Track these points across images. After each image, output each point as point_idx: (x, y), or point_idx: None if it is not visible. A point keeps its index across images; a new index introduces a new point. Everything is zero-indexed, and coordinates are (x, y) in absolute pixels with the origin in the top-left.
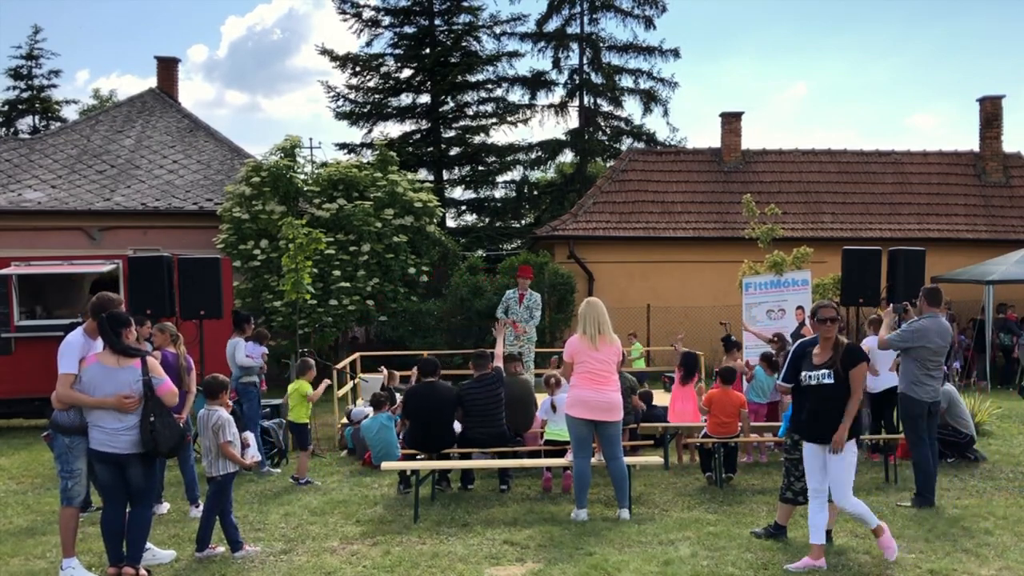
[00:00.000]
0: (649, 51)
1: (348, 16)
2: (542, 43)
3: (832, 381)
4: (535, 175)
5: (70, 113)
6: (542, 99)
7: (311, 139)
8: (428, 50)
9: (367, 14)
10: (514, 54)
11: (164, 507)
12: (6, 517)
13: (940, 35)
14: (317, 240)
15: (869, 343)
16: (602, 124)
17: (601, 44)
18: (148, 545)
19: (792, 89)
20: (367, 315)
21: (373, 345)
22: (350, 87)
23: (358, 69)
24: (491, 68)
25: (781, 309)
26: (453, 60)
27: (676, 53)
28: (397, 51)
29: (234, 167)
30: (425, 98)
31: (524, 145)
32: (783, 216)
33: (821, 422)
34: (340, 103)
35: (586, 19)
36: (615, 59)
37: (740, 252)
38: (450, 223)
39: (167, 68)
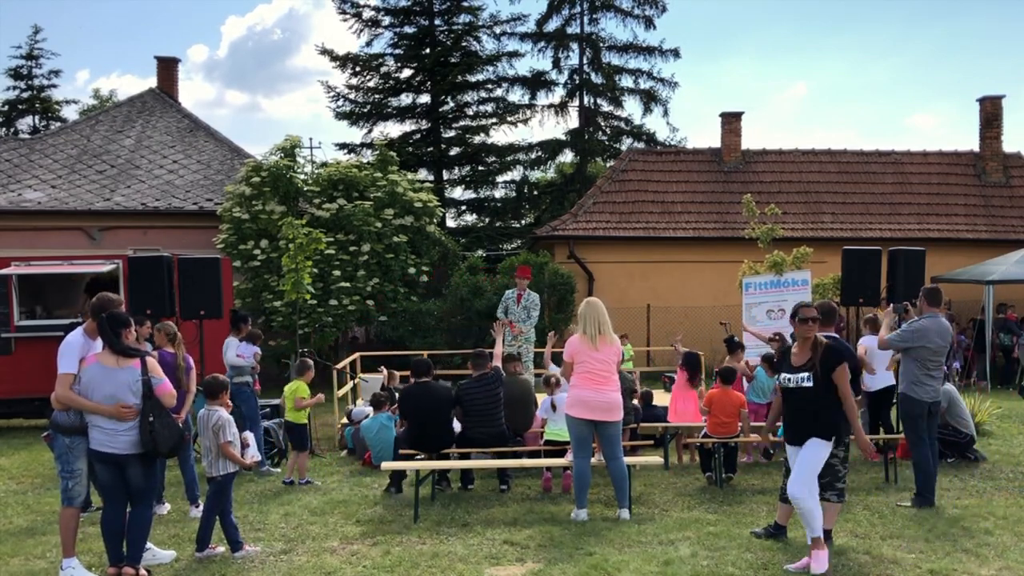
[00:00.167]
0: (649, 51)
1: (348, 16)
2: (542, 43)
3: (811, 384)
4: (535, 175)
5: (70, 113)
6: (542, 99)
7: (311, 139)
8: (428, 50)
9: (367, 14)
10: (514, 54)
11: (164, 507)
12: (6, 517)
13: (940, 35)
14: (317, 240)
15: (866, 343)
16: (602, 124)
17: (601, 44)
18: (148, 545)
19: (792, 89)
20: (367, 315)
21: (373, 345)
22: (350, 87)
23: (358, 69)
24: (491, 68)
25: (781, 309)
26: (453, 60)
27: (676, 53)
28: (397, 51)
29: (234, 167)
30: (425, 98)
31: (524, 145)
32: (783, 216)
33: (797, 425)
34: (340, 103)
35: (586, 19)
36: (615, 59)
37: (740, 252)
38: (450, 223)
39: (167, 68)
